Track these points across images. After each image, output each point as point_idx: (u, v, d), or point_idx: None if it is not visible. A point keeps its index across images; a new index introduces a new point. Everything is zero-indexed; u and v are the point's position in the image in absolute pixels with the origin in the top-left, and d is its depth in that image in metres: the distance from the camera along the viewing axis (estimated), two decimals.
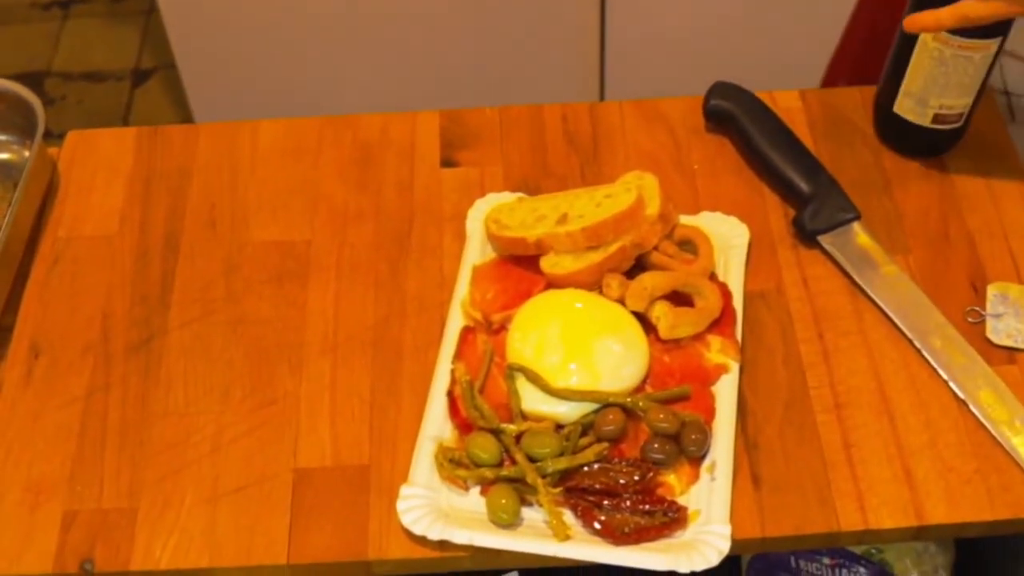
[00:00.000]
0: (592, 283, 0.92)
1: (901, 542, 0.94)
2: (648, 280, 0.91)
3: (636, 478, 0.83)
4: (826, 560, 1.05)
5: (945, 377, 0.90)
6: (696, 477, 0.84)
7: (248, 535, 0.84)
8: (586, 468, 0.84)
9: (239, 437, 0.89)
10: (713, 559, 0.80)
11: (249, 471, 0.87)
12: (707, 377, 0.89)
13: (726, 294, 0.93)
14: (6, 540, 0.84)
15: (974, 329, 0.93)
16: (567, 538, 0.81)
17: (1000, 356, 0.91)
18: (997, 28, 0.92)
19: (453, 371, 0.89)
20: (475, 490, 0.84)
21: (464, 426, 0.87)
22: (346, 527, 0.84)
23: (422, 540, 0.82)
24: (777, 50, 1.92)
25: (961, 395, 0.89)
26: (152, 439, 0.89)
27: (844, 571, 1.04)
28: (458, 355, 0.90)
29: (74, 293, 0.98)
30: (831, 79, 1.33)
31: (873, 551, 1.04)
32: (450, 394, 0.88)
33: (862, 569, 1.04)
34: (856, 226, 0.98)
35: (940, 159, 1.04)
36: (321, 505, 0.85)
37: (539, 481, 0.82)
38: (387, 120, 1.09)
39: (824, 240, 0.97)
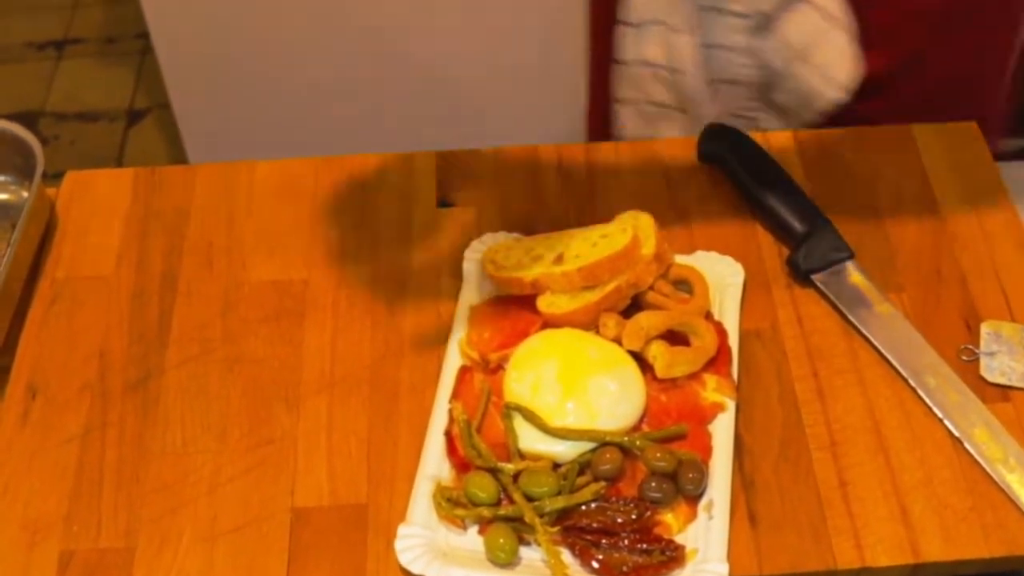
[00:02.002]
0: (588, 322, 0.92)
1: None
2: (644, 319, 0.91)
3: (633, 517, 0.83)
4: None
5: (940, 415, 0.90)
6: (693, 516, 0.84)
7: (246, 575, 0.84)
8: (584, 507, 0.84)
9: (236, 476, 0.89)
10: None
11: (246, 510, 0.87)
12: (703, 415, 0.89)
13: (721, 333, 0.93)
14: None
15: (968, 367, 0.93)
16: None
17: (994, 394, 0.92)
18: None
19: (451, 410, 0.89)
20: (473, 529, 0.84)
21: (462, 465, 0.87)
22: (344, 567, 0.84)
23: None
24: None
25: (956, 433, 0.89)
26: (149, 478, 0.89)
27: None
28: (455, 394, 0.90)
29: (71, 333, 0.98)
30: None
31: None
32: (447, 433, 0.88)
33: None
34: (850, 265, 0.98)
35: (932, 198, 1.04)
36: (319, 545, 0.85)
37: (537, 520, 0.82)
38: (384, 160, 1.09)
39: (818, 279, 0.98)
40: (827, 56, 1.11)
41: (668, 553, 0.82)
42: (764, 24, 1.11)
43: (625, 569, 0.81)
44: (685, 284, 0.96)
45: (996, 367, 0.93)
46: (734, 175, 1.05)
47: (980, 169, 1.07)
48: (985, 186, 1.06)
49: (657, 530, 0.83)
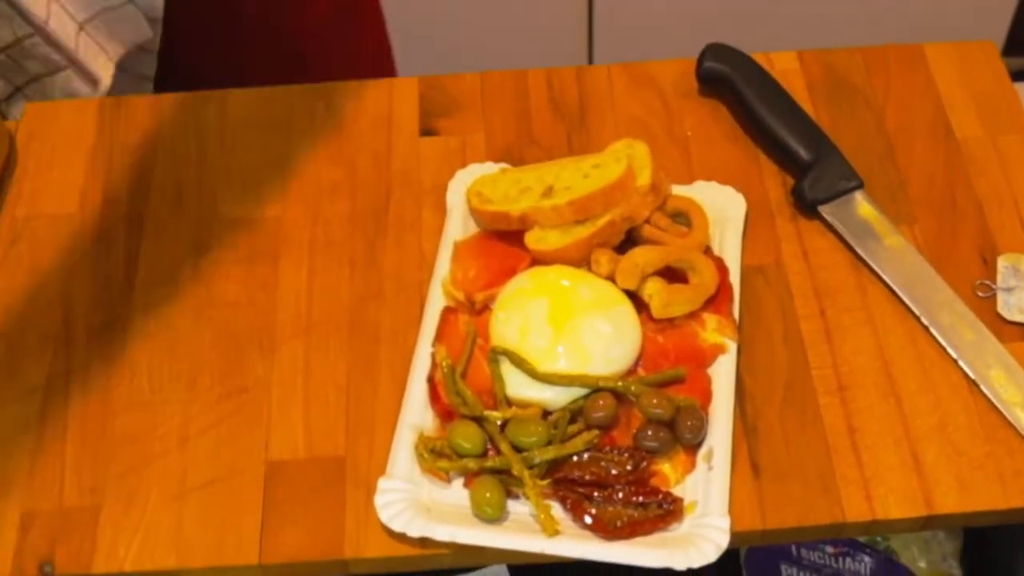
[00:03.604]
0: (580, 259, 0.88)
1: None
2: (639, 256, 0.86)
3: (629, 468, 0.79)
4: (829, 548, 1.01)
5: (954, 355, 0.85)
6: (692, 466, 0.80)
7: (217, 533, 0.80)
8: (575, 458, 0.79)
9: (207, 428, 0.84)
10: (711, 554, 0.75)
11: (218, 464, 0.82)
12: (703, 358, 0.85)
13: (722, 269, 0.88)
14: None
15: (984, 304, 0.88)
16: (556, 533, 0.77)
17: (1012, 332, 0.87)
18: None
19: (433, 355, 0.85)
20: (458, 482, 0.80)
21: (445, 414, 0.82)
22: (321, 523, 0.80)
23: (402, 537, 0.78)
24: (774, 9, 1.88)
25: (971, 375, 0.84)
26: (115, 431, 0.84)
27: (848, 560, 1.00)
28: (439, 338, 0.86)
29: (33, 275, 0.93)
30: None
31: (879, 539, 1.00)
32: (430, 379, 0.84)
33: (867, 558, 1.00)
34: (858, 195, 0.93)
35: (945, 122, 0.99)
36: (294, 500, 0.81)
37: (525, 472, 0.78)
38: (362, 87, 1.04)
39: (825, 210, 0.93)
40: None
41: (665, 506, 0.77)
42: None
43: (620, 524, 0.77)
44: (683, 217, 0.91)
45: (1014, 303, 0.88)
46: (735, 99, 0.99)
47: (997, 91, 1.01)
48: (1002, 109, 1.00)
49: (654, 481, 0.79)
